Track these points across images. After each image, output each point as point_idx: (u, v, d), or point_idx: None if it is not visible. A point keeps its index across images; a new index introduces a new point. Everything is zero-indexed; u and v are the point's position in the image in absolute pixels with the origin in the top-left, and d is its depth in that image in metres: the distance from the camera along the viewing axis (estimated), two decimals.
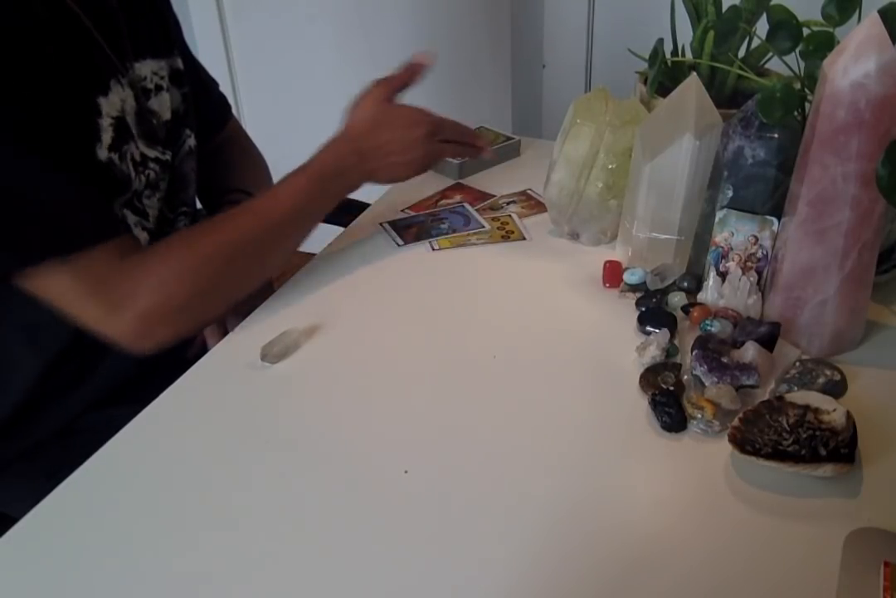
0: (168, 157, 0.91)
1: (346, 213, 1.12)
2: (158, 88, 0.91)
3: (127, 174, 0.84)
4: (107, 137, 0.81)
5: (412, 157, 0.95)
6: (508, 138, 1.22)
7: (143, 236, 0.88)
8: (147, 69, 0.89)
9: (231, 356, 0.82)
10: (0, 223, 0.72)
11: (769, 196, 0.80)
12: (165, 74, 0.92)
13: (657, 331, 0.80)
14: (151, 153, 0.88)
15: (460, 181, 1.15)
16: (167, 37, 0.95)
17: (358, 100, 0.97)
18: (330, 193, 0.92)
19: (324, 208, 0.92)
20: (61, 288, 0.76)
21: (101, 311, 0.77)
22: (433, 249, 0.99)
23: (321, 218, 0.92)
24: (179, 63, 0.96)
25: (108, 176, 0.82)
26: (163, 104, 0.91)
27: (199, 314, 0.83)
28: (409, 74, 0.98)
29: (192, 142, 0.97)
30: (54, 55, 0.75)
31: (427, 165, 0.97)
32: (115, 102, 0.82)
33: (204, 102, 1.03)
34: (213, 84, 1.11)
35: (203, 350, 0.89)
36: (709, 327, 0.80)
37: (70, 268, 0.75)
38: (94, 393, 0.91)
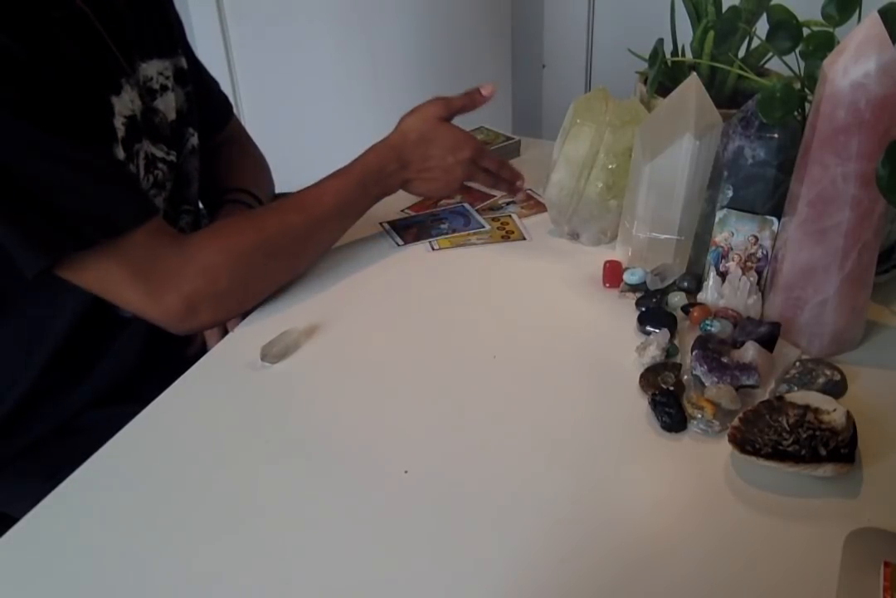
0: (173, 157, 0.92)
1: None
2: (164, 88, 0.91)
3: (136, 174, 0.85)
4: (120, 136, 0.81)
5: (450, 177, 0.98)
6: (508, 138, 1.22)
7: None
8: (153, 69, 0.90)
9: (231, 356, 0.82)
10: (48, 210, 0.72)
11: (769, 196, 0.80)
12: (170, 74, 0.93)
13: (657, 331, 0.80)
14: (158, 153, 0.89)
15: None
16: (171, 36, 0.95)
17: (413, 110, 0.99)
18: (370, 194, 0.95)
19: (362, 208, 0.95)
20: (104, 273, 0.77)
21: (145, 293, 0.78)
22: (433, 249, 0.99)
23: (359, 217, 0.95)
24: (183, 62, 0.96)
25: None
26: (168, 104, 0.92)
27: (238, 303, 0.86)
28: (470, 101, 0.99)
29: (195, 141, 0.97)
30: (70, 54, 0.75)
31: (459, 187, 1.00)
32: (126, 101, 0.82)
33: (206, 101, 1.03)
34: (214, 83, 1.11)
35: (203, 350, 0.90)
36: (709, 327, 0.80)
37: (114, 252, 0.76)
38: (93, 392, 0.91)
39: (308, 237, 0.89)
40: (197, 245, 0.81)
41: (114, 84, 0.81)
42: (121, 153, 0.81)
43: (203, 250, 0.81)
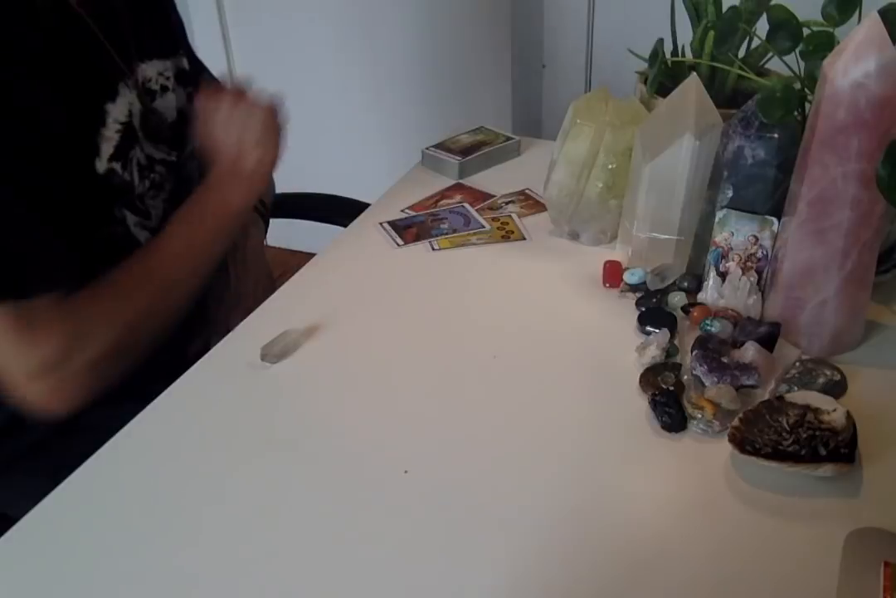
0: (174, 157, 0.91)
1: (346, 213, 1.12)
2: (164, 89, 0.91)
3: (128, 181, 0.84)
4: (108, 147, 0.81)
5: (265, 140, 0.92)
6: (508, 138, 1.22)
7: (143, 235, 0.88)
8: (153, 70, 0.90)
9: (231, 356, 0.82)
10: None
11: (769, 196, 0.80)
12: (171, 74, 0.93)
13: (657, 331, 0.80)
14: (157, 155, 0.89)
15: (460, 181, 1.15)
16: (172, 36, 0.95)
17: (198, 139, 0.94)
18: (216, 226, 0.89)
19: (216, 244, 0.90)
20: None
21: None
22: (433, 249, 0.99)
23: (222, 250, 0.91)
24: (185, 62, 0.96)
25: (105, 186, 0.81)
26: (168, 104, 0.92)
27: (116, 367, 0.80)
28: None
29: (196, 142, 0.97)
30: (62, 67, 0.75)
31: (279, 139, 0.95)
32: (122, 106, 0.82)
33: None
34: (216, 83, 1.11)
35: (204, 349, 0.89)
36: (709, 327, 0.80)
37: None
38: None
39: (172, 296, 0.85)
40: (71, 317, 0.76)
41: (110, 90, 0.81)
42: (103, 166, 0.80)
43: (76, 324, 0.76)
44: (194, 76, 0.98)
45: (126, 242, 0.87)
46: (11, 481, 0.89)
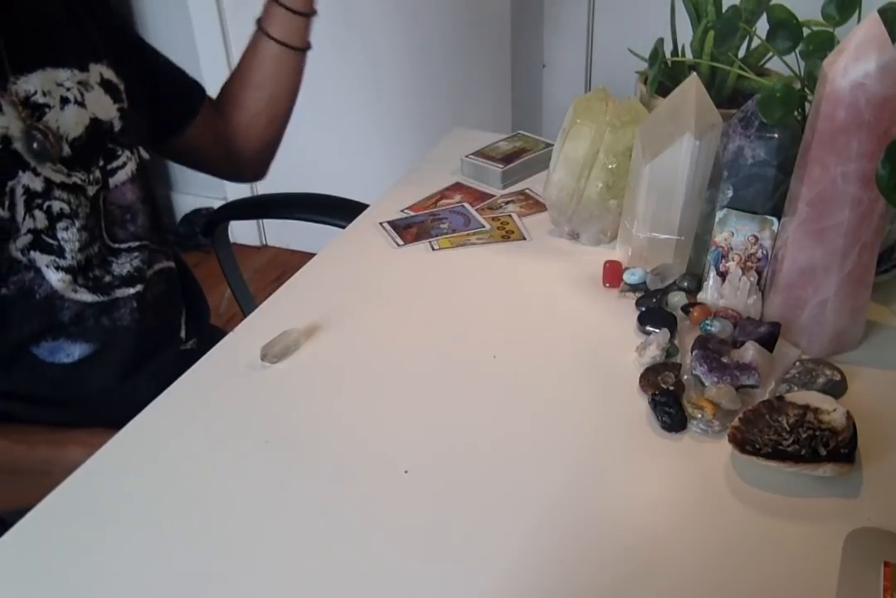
0: (76, 180, 0.81)
1: (345, 213, 1.12)
2: (64, 101, 0.80)
3: (8, 218, 0.76)
4: None
5: None
6: (547, 145, 1.17)
7: (56, 277, 0.81)
8: (36, 82, 0.78)
9: (231, 356, 0.82)
10: None
11: (769, 196, 0.80)
12: (73, 85, 0.81)
13: (657, 331, 0.80)
14: (57, 178, 0.79)
15: (460, 181, 1.15)
16: (86, 45, 0.85)
17: None
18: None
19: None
20: None
21: None
22: (433, 249, 0.99)
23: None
24: (108, 73, 0.86)
25: None
26: (69, 119, 0.81)
27: None
28: None
29: (132, 166, 0.88)
30: None
31: None
32: None
33: (170, 98, 0.99)
34: (179, 73, 1.04)
35: (206, 345, 0.87)
36: (709, 327, 0.80)
37: None
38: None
39: None
40: None
41: None
42: None
43: None
44: (136, 89, 0.90)
45: (37, 289, 0.80)
46: None
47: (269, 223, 2.55)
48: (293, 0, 1.01)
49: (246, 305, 1.36)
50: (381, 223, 1.05)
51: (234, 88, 1.08)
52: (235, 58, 1.10)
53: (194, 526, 0.64)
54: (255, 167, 1.15)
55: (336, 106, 2.19)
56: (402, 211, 1.08)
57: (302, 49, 1.05)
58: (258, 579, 0.59)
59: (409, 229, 1.03)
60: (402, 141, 2.20)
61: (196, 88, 1.06)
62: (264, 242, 2.60)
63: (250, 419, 0.74)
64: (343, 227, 1.07)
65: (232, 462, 0.69)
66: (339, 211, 1.20)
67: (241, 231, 2.53)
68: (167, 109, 1.00)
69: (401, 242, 1.01)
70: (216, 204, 1.26)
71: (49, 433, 0.85)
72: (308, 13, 1.03)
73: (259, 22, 1.03)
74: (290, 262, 2.48)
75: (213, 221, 1.28)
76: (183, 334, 0.99)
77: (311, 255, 0.99)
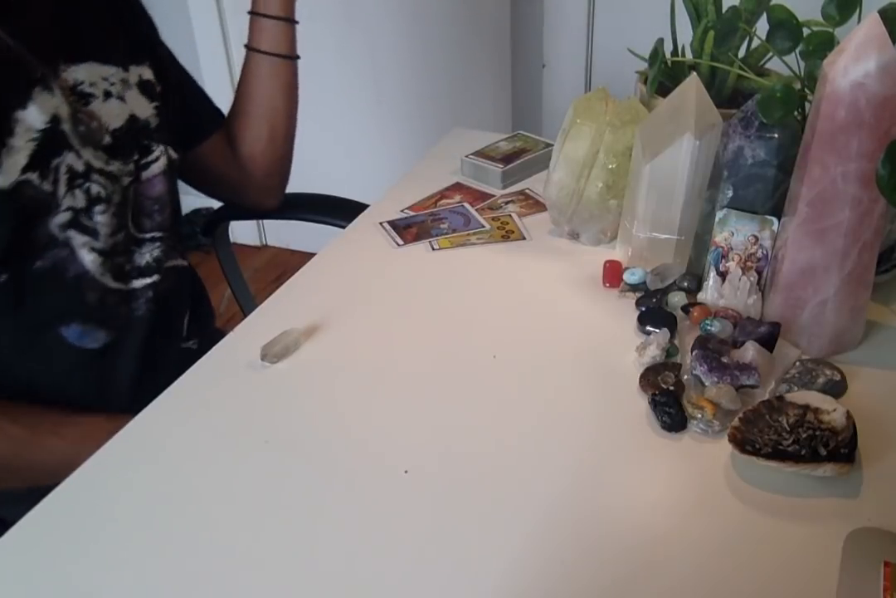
0: (113, 168, 0.85)
1: (345, 213, 1.12)
2: (107, 94, 0.85)
3: (48, 192, 0.78)
4: (20, 158, 0.75)
5: None
6: (547, 145, 1.18)
7: (90, 258, 0.84)
8: (83, 73, 0.83)
9: (231, 356, 0.82)
10: None
11: (769, 196, 0.80)
12: (117, 81, 0.87)
13: (657, 331, 0.81)
14: (97, 164, 0.83)
15: (460, 181, 1.15)
16: (133, 46, 0.91)
17: None
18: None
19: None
20: None
21: None
22: (433, 249, 0.99)
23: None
24: (147, 74, 0.91)
25: (13, 201, 0.76)
26: (110, 112, 0.86)
27: None
28: None
29: (164, 161, 0.92)
30: None
31: None
32: (40, 111, 0.77)
33: (187, 114, 1.02)
34: (201, 95, 1.10)
35: (207, 344, 0.87)
36: (709, 327, 0.80)
37: None
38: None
39: None
40: None
41: (21, 96, 0.76)
42: (8, 179, 0.74)
43: None
44: (170, 91, 0.94)
45: (70, 267, 0.83)
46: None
47: (269, 223, 2.55)
48: (269, 6, 1.05)
49: (246, 305, 1.36)
50: (381, 223, 1.05)
51: (235, 110, 1.13)
52: (235, 58, 1.11)
53: (194, 526, 0.64)
54: (267, 194, 1.19)
55: (336, 106, 2.19)
56: (402, 211, 1.08)
57: (291, 57, 1.09)
58: (258, 578, 0.59)
59: (409, 229, 1.03)
60: (402, 141, 2.20)
61: (216, 113, 1.12)
62: (264, 242, 2.60)
63: (250, 419, 0.74)
64: (343, 227, 1.07)
65: (232, 462, 0.69)
66: (339, 211, 1.20)
67: (241, 231, 2.53)
68: (186, 122, 1.02)
69: (401, 242, 1.01)
70: (216, 204, 1.26)
71: (55, 420, 0.86)
72: (287, 18, 1.07)
73: (247, 45, 1.09)
74: (290, 262, 2.49)
75: (214, 220, 1.29)
76: (184, 334, 1.00)
77: (311, 255, 0.99)
